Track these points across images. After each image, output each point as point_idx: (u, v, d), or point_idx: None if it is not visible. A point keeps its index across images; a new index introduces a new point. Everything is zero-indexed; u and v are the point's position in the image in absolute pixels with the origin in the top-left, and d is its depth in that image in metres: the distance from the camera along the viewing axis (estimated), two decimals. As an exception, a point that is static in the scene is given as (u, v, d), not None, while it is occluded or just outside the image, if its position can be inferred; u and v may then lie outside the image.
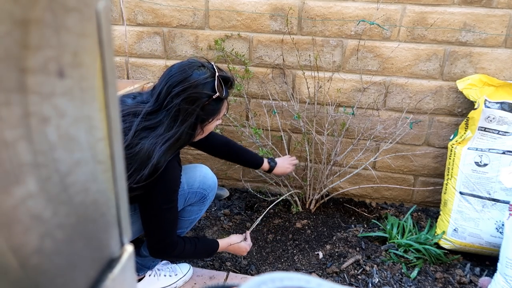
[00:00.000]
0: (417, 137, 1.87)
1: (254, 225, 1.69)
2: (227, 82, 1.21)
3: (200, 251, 1.34)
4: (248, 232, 1.52)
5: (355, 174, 1.95)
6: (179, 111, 1.12)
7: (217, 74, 1.16)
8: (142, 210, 1.20)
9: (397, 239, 1.70)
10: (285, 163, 1.71)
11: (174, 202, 1.22)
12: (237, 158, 1.61)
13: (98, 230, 0.31)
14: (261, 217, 1.69)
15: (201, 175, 1.39)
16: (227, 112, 1.29)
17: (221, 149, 1.56)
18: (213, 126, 1.25)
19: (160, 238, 1.23)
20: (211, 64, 1.20)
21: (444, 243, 1.67)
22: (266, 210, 1.75)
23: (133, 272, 0.36)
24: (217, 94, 1.15)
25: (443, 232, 1.68)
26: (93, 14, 0.28)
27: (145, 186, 1.10)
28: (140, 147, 1.09)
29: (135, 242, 1.42)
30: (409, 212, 1.88)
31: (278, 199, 1.81)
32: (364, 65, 1.81)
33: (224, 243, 1.41)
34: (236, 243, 1.44)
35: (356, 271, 1.58)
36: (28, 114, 0.22)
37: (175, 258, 1.36)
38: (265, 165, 1.64)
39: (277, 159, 1.69)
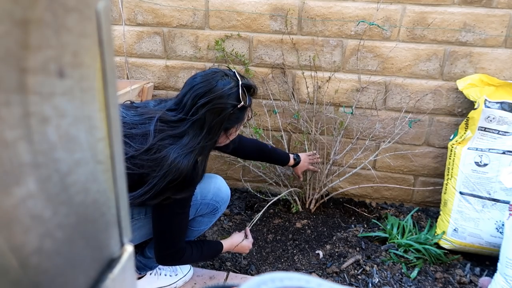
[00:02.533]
0: (417, 137, 1.87)
1: (253, 222, 1.70)
2: (250, 89, 1.23)
3: (206, 255, 1.34)
4: (247, 229, 1.53)
5: (355, 174, 1.94)
6: (205, 121, 1.14)
7: (240, 82, 1.18)
8: (155, 213, 1.20)
9: (397, 239, 1.70)
10: (306, 161, 1.80)
11: (187, 208, 1.21)
12: (269, 159, 1.70)
13: (98, 230, 0.31)
14: (260, 213, 1.70)
15: (215, 187, 1.38)
16: (251, 117, 1.32)
17: (254, 153, 1.65)
18: (237, 132, 1.28)
19: (169, 244, 1.22)
20: (233, 71, 1.21)
21: (444, 243, 1.67)
22: (265, 207, 1.75)
23: (133, 272, 0.36)
24: (242, 103, 1.17)
25: (443, 232, 1.68)
26: (93, 14, 0.28)
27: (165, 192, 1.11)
28: (165, 154, 1.09)
29: (141, 243, 1.42)
30: (410, 214, 1.88)
31: (277, 198, 1.81)
32: (364, 65, 1.81)
33: (227, 244, 1.41)
34: (239, 243, 1.45)
35: (356, 271, 1.58)
36: (28, 114, 0.22)
37: (182, 264, 1.37)
38: (291, 161, 1.74)
39: (300, 155, 1.79)
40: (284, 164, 1.74)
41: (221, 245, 1.39)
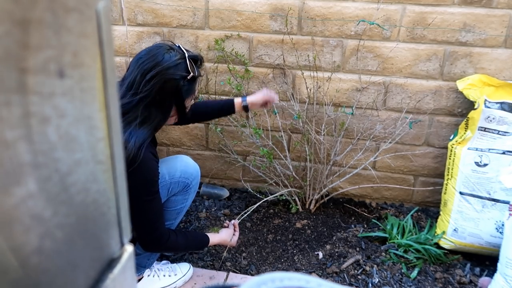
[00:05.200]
0: (417, 137, 1.87)
1: (242, 216, 1.71)
2: (196, 61, 1.23)
3: (191, 244, 1.36)
4: (236, 222, 1.55)
5: (355, 174, 1.95)
6: (155, 95, 1.13)
7: (186, 54, 1.18)
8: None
9: (397, 239, 1.70)
10: (259, 101, 1.53)
11: (156, 194, 1.22)
12: (206, 111, 1.53)
13: (98, 230, 0.31)
14: (253, 207, 1.69)
15: (182, 164, 1.40)
16: (198, 91, 1.31)
17: (192, 114, 1.47)
18: (189, 106, 1.27)
19: (148, 231, 1.23)
20: (177, 45, 1.21)
21: (444, 243, 1.67)
22: (259, 203, 1.75)
23: (133, 272, 0.37)
24: (191, 74, 1.17)
25: (443, 232, 1.68)
26: (93, 14, 0.28)
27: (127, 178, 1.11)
28: (125, 140, 1.10)
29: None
30: (410, 214, 1.88)
31: (276, 197, 1.81)
32: (364, 65, 1.81)
33: (215, 238, 1.44)
34: (225, 240, 1.47)
35: (356, 271, 1.58)
36: (29, 114, 0.22)
37: (168, 250, 1.38)
38: (237, 107, 1.51)
39: (253, 97, 1.53)
40: (230, 112, 1.54)
41: (207, 237, 1.40)
